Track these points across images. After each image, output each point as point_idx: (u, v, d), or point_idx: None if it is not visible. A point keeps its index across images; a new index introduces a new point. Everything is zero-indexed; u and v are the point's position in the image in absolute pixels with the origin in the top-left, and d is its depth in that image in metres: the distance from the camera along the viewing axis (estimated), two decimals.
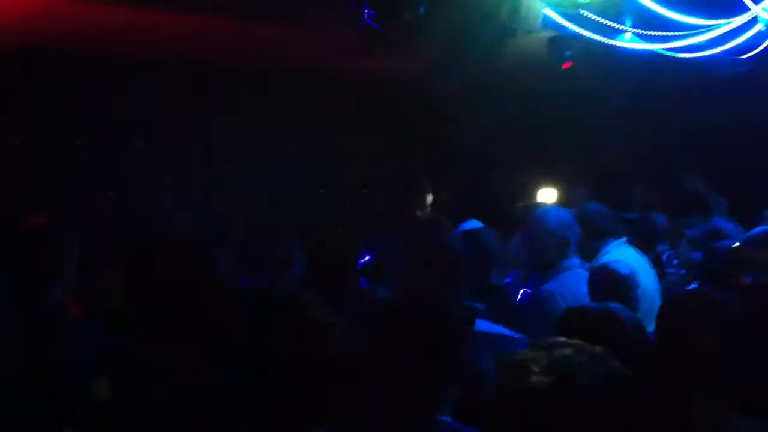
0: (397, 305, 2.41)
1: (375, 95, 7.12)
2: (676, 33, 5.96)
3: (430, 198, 6.23)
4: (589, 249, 4.96)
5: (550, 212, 4.69)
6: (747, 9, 5.59)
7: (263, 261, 3.91)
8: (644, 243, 5.40)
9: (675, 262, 5.48)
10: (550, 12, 6.05)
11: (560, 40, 6.29)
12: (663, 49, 6.12)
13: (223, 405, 2.08)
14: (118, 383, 2.21)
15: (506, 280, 5.01)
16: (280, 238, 4.17)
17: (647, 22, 5.97)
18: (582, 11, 5.90)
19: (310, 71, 7.00)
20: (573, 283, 4.28)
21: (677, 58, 6.18)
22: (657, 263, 5.28)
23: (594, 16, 5.91)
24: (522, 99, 6.94)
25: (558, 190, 7.08)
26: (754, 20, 5.67)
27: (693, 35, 5.90)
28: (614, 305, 2.96)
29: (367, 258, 4.46)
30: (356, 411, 2.16)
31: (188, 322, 2.26)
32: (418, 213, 6.26)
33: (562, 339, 1.84)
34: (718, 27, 5.77)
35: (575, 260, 4.58)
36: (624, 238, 5.05)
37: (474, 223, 5.50)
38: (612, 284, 4.09)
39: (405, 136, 7.42)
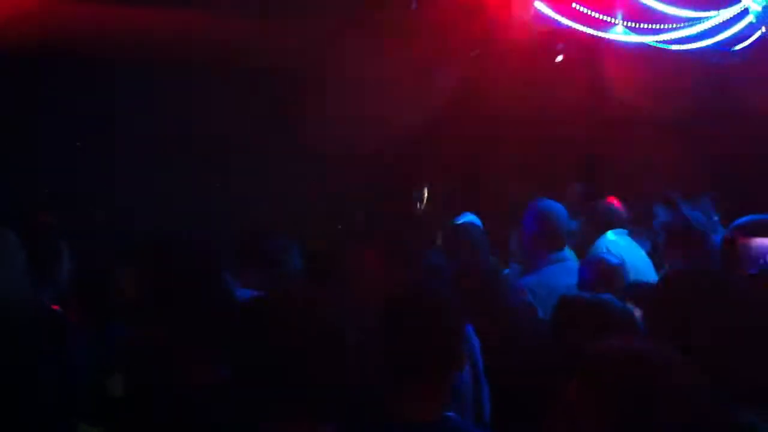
0: (399, 302, 2.42)
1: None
2: (668, 25, 5.99)
3: (426, 192, 6.29)
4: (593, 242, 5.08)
5: (538, 206, 4.74)
6: (737, 1, 5.62)
7: (257, 257, 3.94)
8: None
9: None
10: (541, 6, 6.10)
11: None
12: (654, 41, 6.15)
13: (226, 402, 2.10)
14: (128, 380, 2.26)
15: (505, 272, 5.07)
16: (275, 235, 4.22)
17: (638, 14, 6.01)
18: (573, 5, 5.96)
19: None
20: (554, 276, 4.32)
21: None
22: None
23: (585, 10, 5.96)
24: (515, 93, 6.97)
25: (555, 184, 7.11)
26: (744, 12, 5.70)
27: (684, 27, 5.93)
28: (604, 296, 3.03)
29: None
30: (359, 410, 2.16)
31: (195, 319, 2.30)
32: (418, 206, 6.33)
33: None
34: (708, 19, 5.80)
35: (565, 253, 4.63)
36: (625, 231, 5.10)
37: (469, 217, 5.56)
38: (601, 274, 4.16)
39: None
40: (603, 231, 5.14)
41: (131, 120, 6.90)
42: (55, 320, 3.02)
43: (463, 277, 3.63)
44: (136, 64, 6.71)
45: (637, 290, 3.55)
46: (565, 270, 4.45)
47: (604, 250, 4.69)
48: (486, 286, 3.61)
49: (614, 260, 4.34)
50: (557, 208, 4.79)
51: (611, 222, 5.21)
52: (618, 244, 4.88)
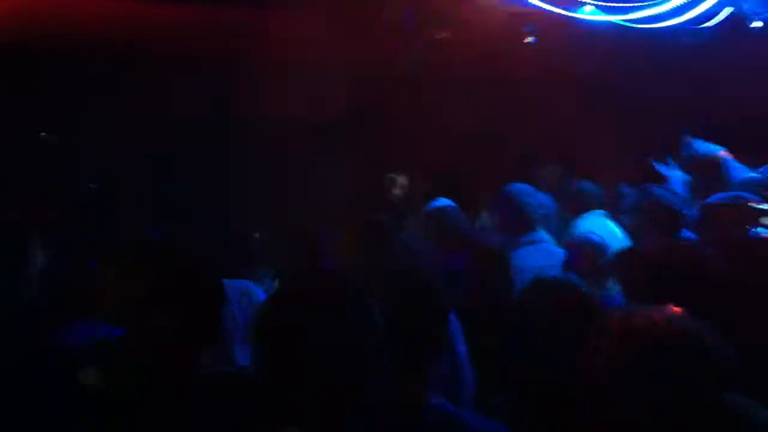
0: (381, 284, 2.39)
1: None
2: (637, 4, 6.01)
3: (405, 180, 6.26)
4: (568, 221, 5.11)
5: (507, 189, 4.75)
6: None
7: (233, 252, 3.87)
8: None
9: None
10: None
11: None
12: (623, 20, 6.16)
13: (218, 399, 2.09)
14: (110, 375, 2.21)
15: None
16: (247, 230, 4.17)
17: None
18: None
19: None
20: (525, 258, 4.29)
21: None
22: None
23: None
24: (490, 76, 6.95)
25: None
26: None
27: (653, 6, 5.94)
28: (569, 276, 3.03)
29: None
30: (344, 401, 2.17)
31: (182, 314, 2.26)
32: (396, 193, 6.30)
33: None
34: None
35: (540, 234, 4.64)
36: (601, 211, 5.12)
37: (443, 201, 5.55)
38: (587, 254, 4.21)
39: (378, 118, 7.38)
40: (582, 212, 5.16)
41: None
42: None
43: None
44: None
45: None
46: (537, 251, 4.46)
47: (587, 231, 4.70)
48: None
49: (597, 239, 4.35)
50: (526, 190, 4.80)
51: (590, 203, 5.24)
52: (598, 225, 4.90)
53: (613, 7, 6.05)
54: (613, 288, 3.96)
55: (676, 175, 5.75)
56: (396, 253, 3.42)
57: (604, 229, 4.79)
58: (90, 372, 2.20)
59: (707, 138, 6.09)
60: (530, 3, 6.12)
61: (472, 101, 6.98)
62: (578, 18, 6.19)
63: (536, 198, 4.76)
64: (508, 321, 2.65)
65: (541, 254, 4.39)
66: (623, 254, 3.65)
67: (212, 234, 4.24)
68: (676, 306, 1.90)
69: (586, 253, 4.24)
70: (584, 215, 5.11)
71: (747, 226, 3.77)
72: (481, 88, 6.99)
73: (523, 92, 7.01)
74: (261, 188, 6.55)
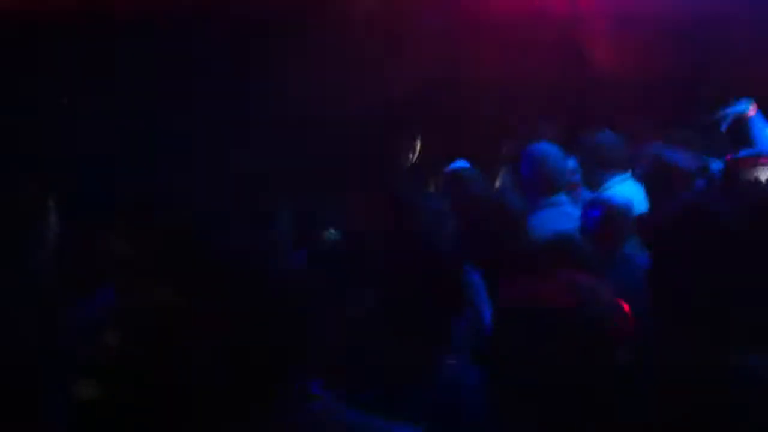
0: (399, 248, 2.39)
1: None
2: None
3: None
4: (594, 180, 4.97)
5: (531, 150, 4.70)
6: None
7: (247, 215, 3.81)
8: None
9: None
10: None
11: None
12: None
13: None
14: (124, 345, 2.19)
15: None
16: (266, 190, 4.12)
17: None
18: None
19: None
20: (546, 220, 4.26)
21: None
22: None
23: None
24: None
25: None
26: None
27: None
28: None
29: None
30: (357, 360, 2.14)
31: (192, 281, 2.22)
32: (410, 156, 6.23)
33: None
34: None
35: (561, 197, 4.59)
36: (629, 173, 4.95)
37: (461, 163, 5.50)
38: (608, 216, 4.11)
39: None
40: (605, 167, 4.96)
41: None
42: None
43: None
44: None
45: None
46: (558, 214, 4.43)
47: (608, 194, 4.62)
48: None
49: (620, 201, 4.23)
50: (552, 151, 4.73)
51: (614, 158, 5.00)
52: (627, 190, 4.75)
53: None
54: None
55: None
56: (418, 216, 3.37)
57: (631, 193, 4.66)
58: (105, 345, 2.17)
59: None
60: None
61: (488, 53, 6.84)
62: None
63: (562, 161, 4.69)
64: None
65: (562, 217, 4.34)
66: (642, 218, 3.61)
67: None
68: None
69: (605, 217, 4.12)
70: (612, 178, 4.92)
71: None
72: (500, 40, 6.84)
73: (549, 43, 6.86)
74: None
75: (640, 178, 4.71)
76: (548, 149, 4.74)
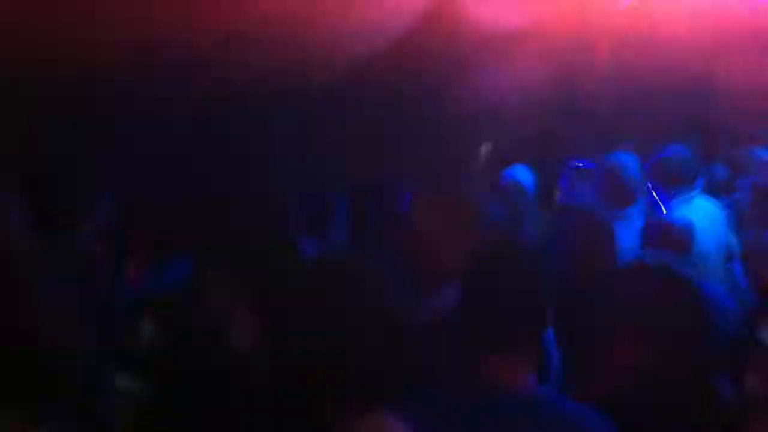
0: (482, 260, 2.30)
1: None
2: None
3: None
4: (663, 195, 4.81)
5: (606, 160, 4.67)
6: None
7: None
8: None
9: None
10: None
11: None
12: None
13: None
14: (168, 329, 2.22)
15: None
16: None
17: None
18: None
19: None
20: None
21: None
22: None
23: None
24: None
25: None
26: None
27: None
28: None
29: None
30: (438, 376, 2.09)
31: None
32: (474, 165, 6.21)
33: None
34: None
35: (632, 211, 4.53)
36: (696, 190, 4.79)
37: (518, 169, 5.48)
38: (665, 236, 4.00)
39: None
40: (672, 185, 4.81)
41: None
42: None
43: None
44: None
45: None
46: (628, 230, 4.27)
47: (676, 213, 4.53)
48: None
49: (681, 221, 4.14)
50: (627, 162, 4.67)
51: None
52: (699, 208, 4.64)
53: None
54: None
55: None
56: (488, 227, 3.27)
57: (704, 212, 4.58)
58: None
59: None
60: None
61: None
62: None
63: (636, 173, 4.64)
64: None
65: (631, 233, 4.22)
66: None
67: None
68: None
69: (663, 234, 4.00)
70: (683, 196, 4.76)
71: None
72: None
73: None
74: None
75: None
76: (623, 160, 4.69)
